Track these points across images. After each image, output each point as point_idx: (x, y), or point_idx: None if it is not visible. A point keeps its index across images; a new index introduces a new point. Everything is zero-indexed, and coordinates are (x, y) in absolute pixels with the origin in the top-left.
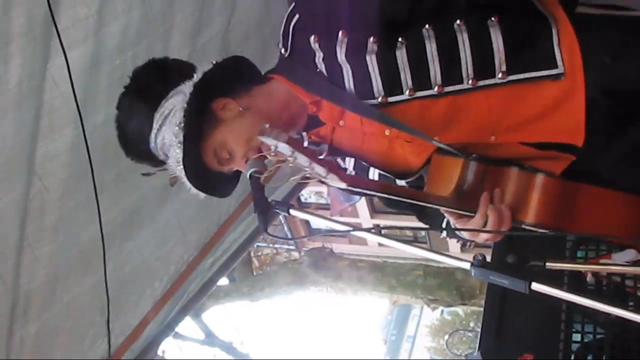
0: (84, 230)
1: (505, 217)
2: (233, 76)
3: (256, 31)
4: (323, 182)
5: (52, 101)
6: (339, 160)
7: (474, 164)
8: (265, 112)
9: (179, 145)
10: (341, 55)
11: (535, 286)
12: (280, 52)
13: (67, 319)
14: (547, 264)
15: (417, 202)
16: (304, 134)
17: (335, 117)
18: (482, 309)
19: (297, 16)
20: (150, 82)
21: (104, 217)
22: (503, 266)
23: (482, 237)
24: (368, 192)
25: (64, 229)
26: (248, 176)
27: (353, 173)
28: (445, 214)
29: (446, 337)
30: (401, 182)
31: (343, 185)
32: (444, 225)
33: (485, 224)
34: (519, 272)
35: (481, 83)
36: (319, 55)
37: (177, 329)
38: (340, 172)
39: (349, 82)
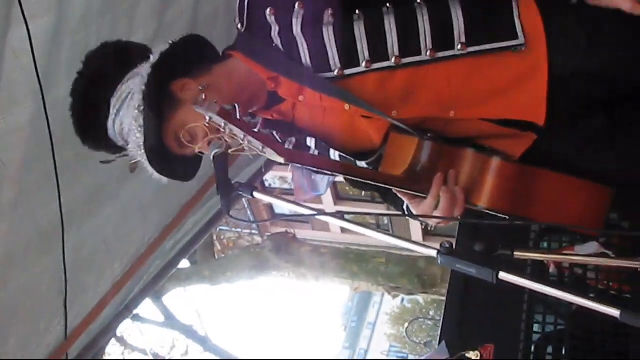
0: (43, 208)
1: (459, 200)
2: (191, 56)
3: (225, 9)
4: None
5: (11, 73)
6: (304, 140)
7: (429, 144)
8: (225, 90)
9: (139, 129)
10: (297, 28)
11: (503, 275)
12: (237, 28)
13: (23, 298)
14: (515, 253)
15: (365, 181)
16: (236, 105)
17: (294, 92)
18: (442, 298)
19: None
20: (105, 66)
21: (64, 196)
22: (470, 254)
23: (435, 220)
24: (311, 168)
25: (22, 207)
26: (212, 157)
27: (316, 153)
28: (398, 194)
29: (406, 324)
30: (361, 164)
31: (280, 160)
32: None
33: (437, 206)
34: (487, 261)
35: (440, 54)
36: (275, 29)
37: (137, 311)
38: (277, 146)
39: (304, 55)
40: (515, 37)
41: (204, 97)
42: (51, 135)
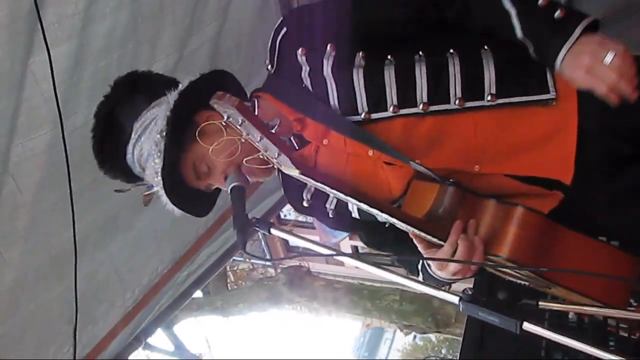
0: (57, 236)
1: (477, 250)
2: (218, 89)
3: (247, 41)
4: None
5: (31, 99)
6: (321, 198)
7: (451, 189)
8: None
9: (158, 154)
10: (327, 69)
11: (527, 326)
12: (267, 69)
13: (32, 325)
14: (539, 303)
15: (383, 214)
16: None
17: (319, 135)
18: (455, 337)
19: (284, 30)
20: (132, 91)
21: (78, 223)
22: (494, 303)
23: (450, 270)
24: (325, 187)
25: (36, 233)
26: (229, 190)
27: (333, 211)
28: (415, 240)
29: None
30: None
31: (295, 173)
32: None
33: (454, 255)
34: (510, 311)
35: (469, 104)
36: (305, 70)
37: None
38: (293, 155)
39: (333, 97)
40: (547, 91)
41: (221, 93)
42: (68, 162)
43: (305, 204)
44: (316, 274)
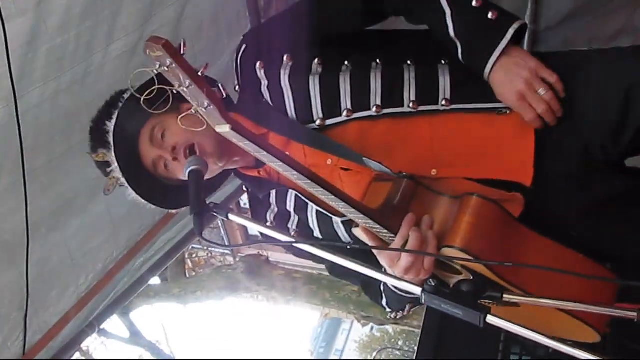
0: (8, 218)
1: (430, 244)
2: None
3: (209, 25)
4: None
5: None
6: (284, 219)
7: (405, 183)
8: (216, 142)
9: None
10: (284, 79)
11: (491, 319)
12: (235, 90)
13: None
14: (504, 295)
15: (333, 196)
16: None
17: (280, 149)
18: (412, 329)
19: (244, 47)
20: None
21: (31, 206)
22: (457, 295)
23: (402, 265)
24: (261, 153)
25: None
26: (186, 174)
27: (293, 209)
28: (366, 237)
29: (374, 353)
30: (337, 220)
31: (225, 129)
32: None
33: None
34: (474, 303)
35: (422, 108)
36: (264, 84)
37: (102, 326)
38: (223, 108)
39: (290, 106)
40: (499, 100)
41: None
42: (22, 142)
43: (268, 224)
44: (275, 263)
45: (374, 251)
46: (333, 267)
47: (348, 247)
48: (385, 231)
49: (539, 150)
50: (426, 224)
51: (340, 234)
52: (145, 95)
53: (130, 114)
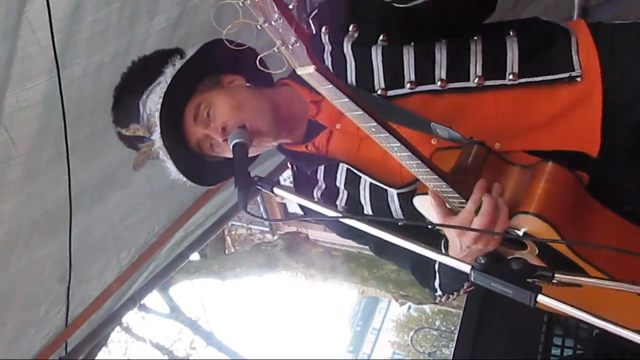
0: (51, 190)
1: (502, 211)
2: (251, 64)
3: None
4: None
5: (27, 48)
6: (332, 195)
7: (475, 148)
8: (267, 98)
9: (164, 86)
10: (347, 47)
11: (542, 298)
12: None
13: (24, 282)
14: (555, 275)
15: (411, 153)
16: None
17: (333, 118)
18: (450, 309)
19: (315, 11)
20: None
21: (74, 178)
22: (508, 273)
23: (471, 235)
24: (342, 100)
25: (29, 187)
26: (231, 147)
27: (344, 184)
28: (433, 202)
29: (411, 333)
30: (393, 192)
31: (310, 69)
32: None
33: (477, 213)
34: (525, 282)
35: (489, 83)
36: (327, 49)
37: (143, 300)
38: (310, 47)
39: (351, 74)
40: (572, 68)
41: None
42: (64, 114)
43: (315, 201)
44: (314, 240)
45: (442, 222)
46: (379, 248)
47: (400, 223)
48: (455, 196)
49: (606, 119)
50: (496, 190)
51: (393, 209)
52: (229, 29)
53: (176, 91)
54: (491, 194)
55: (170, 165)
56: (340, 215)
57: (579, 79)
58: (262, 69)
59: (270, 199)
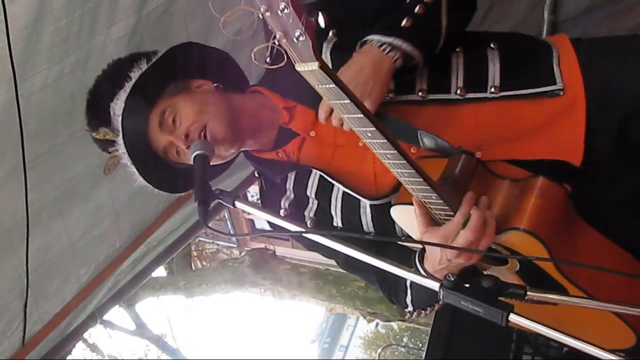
0: (10, 205)
1: (490, 225)
2: (222, 69)
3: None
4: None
5: None
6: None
7: (463, 157)
8: (232, 104)
9: (129, 86)
10: (326, 52)
11: (513, 317)
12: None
13: None
14: (528, 292)
15: (396, 151)
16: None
17: (308, 125)
18: (418, 326)
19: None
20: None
21: (32, 194)
22: (478, 291)
23: (452, 251)
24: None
25: None
26: (192, 158)
27: (315, 193)
28: (417, 212)
29: (379, 350)
30: (366, 203)
31: (314, 66)
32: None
33: (464, 227)
34: (495, 301)
35: (470, 95)
36: None
37: (108, 317)
38: (316, 49)
39: None
40: (554, 82)
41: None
42: (22, 127)
43: (282, 212)
44: (282, 257)
45: (423, 233)
46: (347, 262)
47: (367, 237)
48: (441, 208)
49: (589, 130)
50: (484, 204)
51: (364, 221)
52: (227, 16)
53: (139, 96)
54: (480, 208)
55: (137, 174)
56: (303, 230)
57: (561, 93)
58: (235, 72)
59: (237, 215)
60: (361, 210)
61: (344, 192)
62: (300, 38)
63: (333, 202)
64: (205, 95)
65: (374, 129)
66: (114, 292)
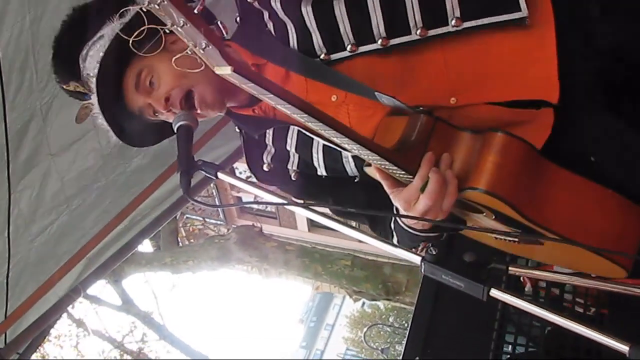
0: None
1: (450, 184)
2: None
3: None
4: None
5: None
6: (282, 159)
7: (422, 118)
8: (212, 75)
9: (103, 48)
10: (276, 5)
11: (494, 292)
12: (236, 22)
13: None
14: (510, 268)
15: (341, 135)
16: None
17: (278, 81)
18: (404, 306)
19: None
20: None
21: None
22: (460, 265)
23: (419, 209)
24: (266, 94)
25: None
26: (175, 129)
27: (295, 147)
28: (379, 176)
29: (365, 329)
30: (347, 154)
31: (227, 71)
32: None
33: (423, 190)
34: (478, 275)
35: (432, 32)
36: (266, 14)
37: (94, 293)
38: (224, 48)
39: (292, 39)
40: (517, 9)
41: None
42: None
43: (265, 167)
44: (268, 235)
45: (389, 194)
46: (338, 210)
47: (351, 209)
48: (400, 172)
49: (562, 63)
50: (445, 162)
51: (349, 169)
52: (135, 37)
53: (112, 53)
54: (439, 169)
55: (113, 134)
56: (285, 202)
57: (525, 22)
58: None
59: (225, 192)
60: (344, 160)
61: (324, 145)
62: (208, 47)
63: (314, 154)
64: (188, 56)
65: (306, 115)
66: (98, 266)
